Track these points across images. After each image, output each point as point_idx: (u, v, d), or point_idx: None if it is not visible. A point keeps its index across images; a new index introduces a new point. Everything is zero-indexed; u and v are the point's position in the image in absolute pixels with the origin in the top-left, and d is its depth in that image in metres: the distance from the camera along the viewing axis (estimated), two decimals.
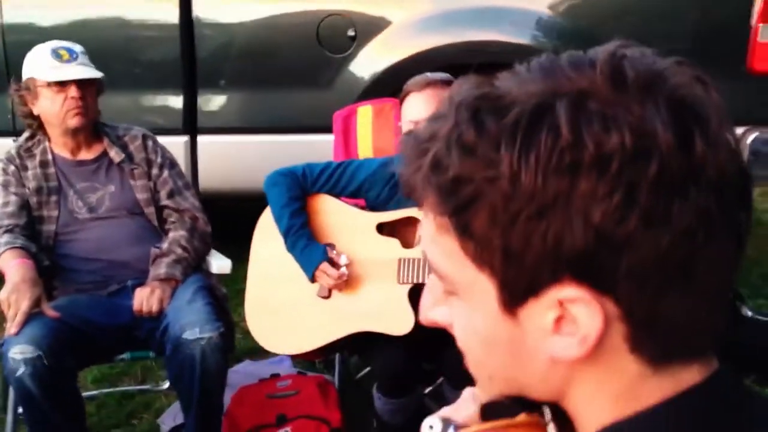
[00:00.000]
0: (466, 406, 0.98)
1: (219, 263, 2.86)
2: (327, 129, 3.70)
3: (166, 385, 3.26)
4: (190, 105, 3.77)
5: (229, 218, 3.89)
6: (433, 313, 0.75)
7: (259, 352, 3.51)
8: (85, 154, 2.82)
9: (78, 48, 2.77)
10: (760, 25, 3.37)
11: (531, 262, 0.61)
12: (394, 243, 2.47)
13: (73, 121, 2.71)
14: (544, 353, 0.65)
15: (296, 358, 3.11)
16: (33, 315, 2.42)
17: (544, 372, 0.66)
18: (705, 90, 0.62)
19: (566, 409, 0.70)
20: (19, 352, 2.33)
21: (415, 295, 2.41)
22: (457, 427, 0.74)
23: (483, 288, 0.65)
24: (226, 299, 2.85)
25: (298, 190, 2.56)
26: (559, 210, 0.59)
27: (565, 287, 0.61)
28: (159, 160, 2.87)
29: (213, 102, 3.81)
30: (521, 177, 0.60)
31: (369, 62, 3.66)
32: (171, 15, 3.68)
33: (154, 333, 2.63)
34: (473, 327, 0.69)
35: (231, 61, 3.76)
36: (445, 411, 1.06)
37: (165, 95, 3.79)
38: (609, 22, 3.68)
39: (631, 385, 0.65)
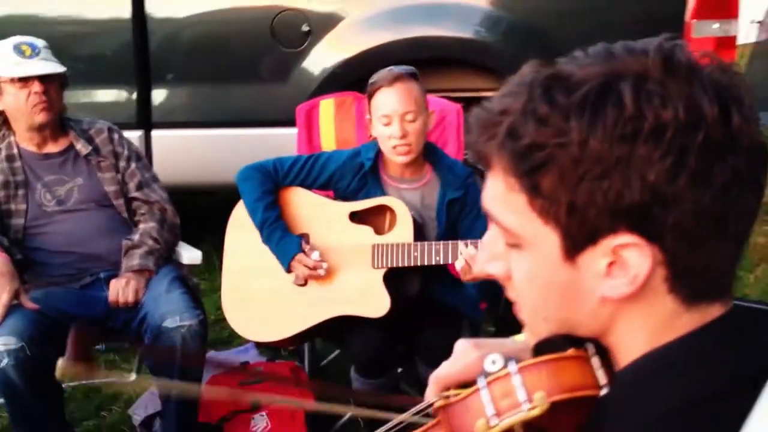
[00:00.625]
0: (464, 355, 1.09)
1: (189, 254, 2.90)
2: (282, 123, 3.77)
3: (133, 377, 3.28)
4: (144, 100, 3.78)
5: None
6: (489, 266, 0.87)
7: (223, 343, 3.58)
8: (52, 148, 2.83)
9: (40, 43, 2.77)
10: (694, 21, 3.58)
11: (593, 215, 0.74)
12: (367, 230, 2.56)
13: (39, 117, 2.72)
14: (597, 294, 0.78)
15: (270, 346, 3.17)
16: (12, 307, 2.44)
17: (594, 310, 0.79)
18: (735, 76, 0.76)
19: (607, 344, 0.83)
20: (2, 344, 2.35)
21: (389, 279, 2.51)
22: (516, 361, 0.84)
23: (547, 239, 0.78)
24: (197, 289, 2.90)
25: (271, 183, 2.63)
26: (620, 171, 0.72)
27: (620, 236, 0.74)
28: (126, 152, 2.90)
29: (167, 97, 3.83)
30: (589, 143, 0.72)
31: (323, 57, 3.74)
32: (123, 10, 3.70)
33: (129, 323, 2.67)
34: (534, 274, 0.82)
35: (185, 56, 3.80)
36: (446, 364, 1.16)
37: (119, 90, 3.81)
38: (550, 17, 3.84)
39: (666, 320, 0.78)
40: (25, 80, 2.69)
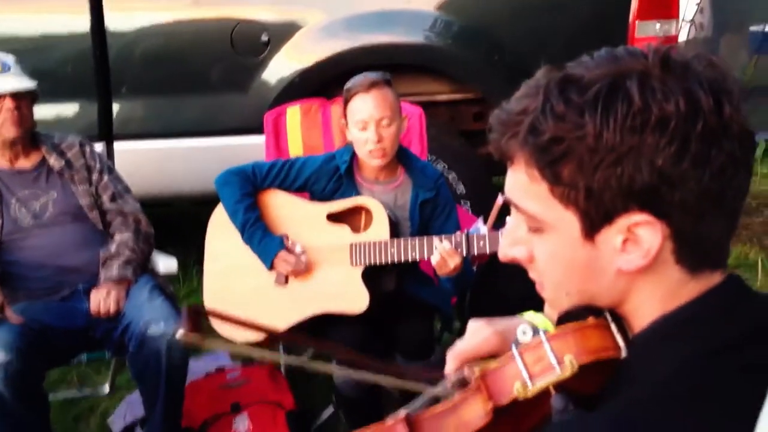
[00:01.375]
0: (478, 332, 1.20)
1: (165, 262, 2.96)
2: (243, 131, 3.84)
3: (107, 389, 3.32)
4: (105, 111, 3.81)
5: None
6: (512, 251, 0.98)
7: (194, 350, 3.62)
8: (24, 163, 2.86)
9: (10, 59, 2.81)
10: (637, 21, 3.76)
11: (608, 198, 0.85)
12: (344, 229, 2.66)
13: (10, 132, 2.75)
14: (613, 268, 0.89)
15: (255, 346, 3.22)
16: None
17: (611, 283, 0.91)
18: (723, 71, 0.87)
19: (622, 312, 0.94)
20: None
21: (366, 276, 2.61)
22: (545, 332, 0.95)
23: (568, 222, 0.89)
24: (174, 297, 2.95)
25: (250, 186, 2.71)
26: (632, 158, 0.83)
27: (633, 215, 0.85)
28: (98, 165, 2.94)
29: (128, 108, 3.86)
30: (603, 135, 0.84)
31: (282, 66, 3.81)
32: (82, 23, 3.71)
33: (111, 333, 2.71)
34: (557, 254, 0.93)
35: (145, 68, 3.82)
36: (462, 341, 1.27)
37: (79, 102, 3.81)
38: (499, 20, 3.95)
39: (675, 288, 0.90)
40: None
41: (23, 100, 2.78)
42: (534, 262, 0.96)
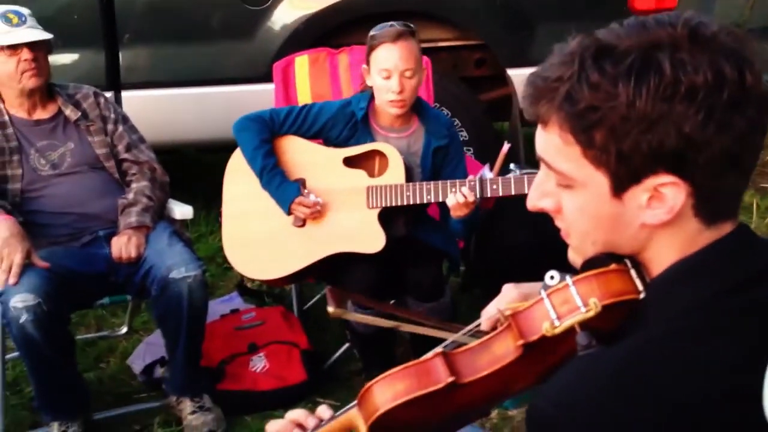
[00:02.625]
0: (509, 293, 1.35)
1: (181, 210, 3.04)
2: (250, 80, 3.90)
3: (124, 330, 3.44)
4: (113, 61, 3.86)
5: None
6: (541, 202, 1.08)
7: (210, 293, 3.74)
8: (41, 114, 2.93)
9: (26, 11, 2.86)
10: None
11: (638, 161, 0.95)
12: (360, 173, 2.75)
13: (30, 82, 2.82)
14: (638, 221, 0.99)
15: (270, 284, 3.33)
16: (25, 266, 2.57)
17: (634, 234, 1.01)
18: (744, 41, 0.96)
19: (642, 259, 1.04)
20: (20, 301, 2.48)
21: (383, 218, 2.71)
22: (571, 276, 1.06)
23: (598, 181, 0.98)
24: (191, 242, 3.06)
25: (267, 132, 2.79)
26: (661, 125, 0.92)
27: (660, 176, 0.95)
28: (113, 116, 3.01)
29: (135, 57, 3.91)
30: (636, 104, 0.92)
31: (287, 14, 3.85)
32: None
33: (132, 278, 2.81)
34: (586, 208, 1.02)
35: (150, 17, 3.86)
36: (494, 302, 1.41)
37: (87, 52, 3.86)
38: None
39: (691, 237, 1.00)
40: (14, 48, 2.78)
41: (40, 51, 2.85)
42: (562, 213, 1.06)
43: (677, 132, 0.91)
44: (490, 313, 1.38)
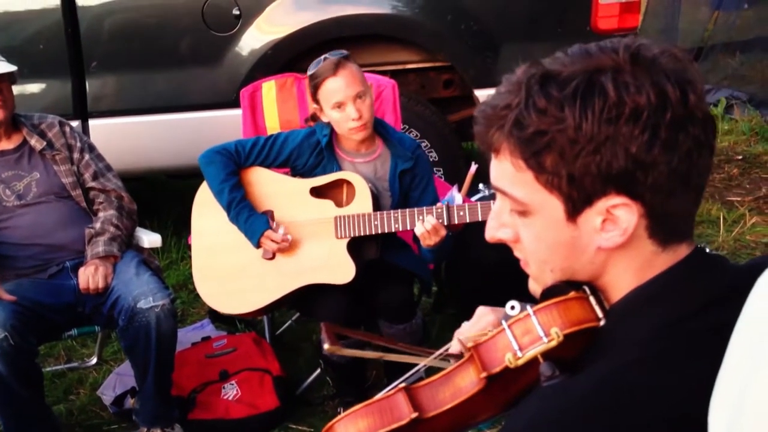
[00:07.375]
0: (483, 317, 1.35)
1: (149, 238, 3.03)
2: (218, 106, 3.90)
3: (93, 361, 3.41)
4: (79, 89, 3.84)
5: None
6: (499, 233, 1.08)
7: (178, 321, 3.71)
8: (6, 144, 2.91)
9: None
10: None
11: (588, 183, 0.96)
12: (328, 203, 2.75)
13: None
14: (594, 245, 1.00)
15: (242, 318, 3.32)
16: None
17: (591, 259, 1.01)
18: (685, 62, 0.97)
19: (600, 285, 1.05)
20: None
21: (353, 245, 2.71)
22: (532, 305, 1.06)
23: (552, 205, 0.99)
24: (160, 270, 3.03)
25: (233, 165, 2.78)
26: (608, 146, 0.93)
27: (611, 198, 0.96)
28: (78, 144, 2.99)
29: (102, 85, 3.89)
30: (582, 126, 0.93)
31: (255, 40, 3.86)
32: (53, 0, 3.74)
33: (99, 309, 2.79)
34: (542, 235, 1.03)
35: (117, 44, 3.85)
36: (468, 324, 1.41)
37: (53, 81, 3.85)
38: None
39: (648, 259, 1.00)
40: None
41: (4, 83, 2.83)
42: (520, 242, 1.07)
43: (624, 153, 0.92)
44: (462, 335, 1.38)
